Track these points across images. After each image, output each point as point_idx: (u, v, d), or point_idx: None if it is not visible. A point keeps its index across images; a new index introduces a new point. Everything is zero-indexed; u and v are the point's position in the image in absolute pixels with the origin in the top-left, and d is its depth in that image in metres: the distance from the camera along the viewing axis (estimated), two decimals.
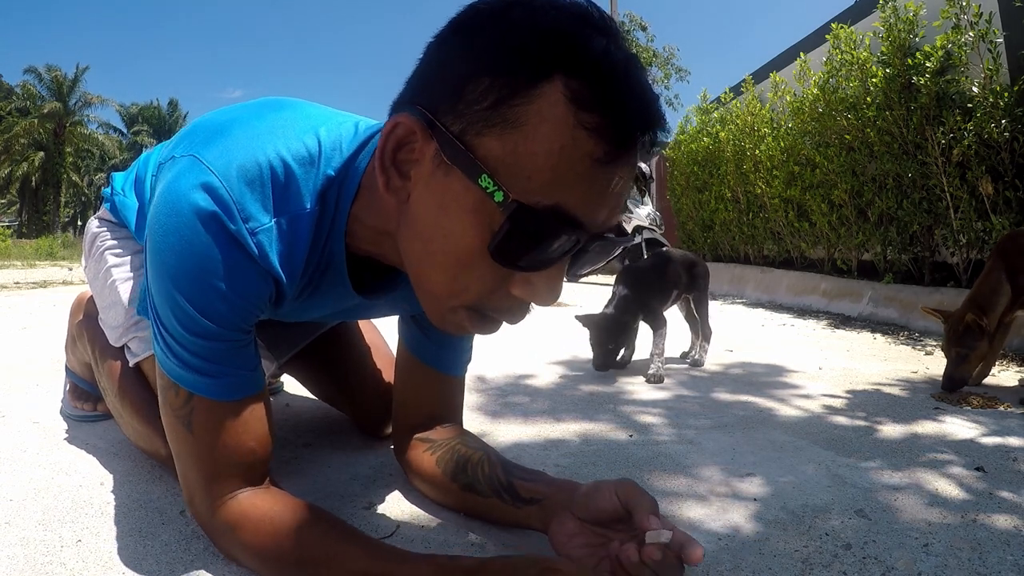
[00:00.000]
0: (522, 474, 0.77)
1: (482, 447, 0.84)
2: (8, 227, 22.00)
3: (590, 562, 0.64)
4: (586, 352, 2.17)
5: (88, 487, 0.93)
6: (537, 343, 2.31)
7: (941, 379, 1.61)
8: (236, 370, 0.68)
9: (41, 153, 30.61)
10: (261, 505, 0.67)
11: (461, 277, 0.56)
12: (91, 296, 1.26)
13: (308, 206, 0.65)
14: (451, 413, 0.92)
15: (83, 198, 35.60)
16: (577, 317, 1.81)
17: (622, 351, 1.85)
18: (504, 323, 0.61)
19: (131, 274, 1.05)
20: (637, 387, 1.67)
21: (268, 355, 1.20)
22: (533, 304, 0.58)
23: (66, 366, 1.34)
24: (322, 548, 0.62)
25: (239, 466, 0.68)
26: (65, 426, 1.25)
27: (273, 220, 0.64)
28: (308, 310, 0.81)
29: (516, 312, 0.59)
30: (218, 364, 0.66)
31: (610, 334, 1.74)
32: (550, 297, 0.57)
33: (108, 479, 0.96)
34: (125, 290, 1.03)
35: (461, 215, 0.53)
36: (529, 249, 0.53)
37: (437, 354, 0.89)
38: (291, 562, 0.63)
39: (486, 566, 0.58)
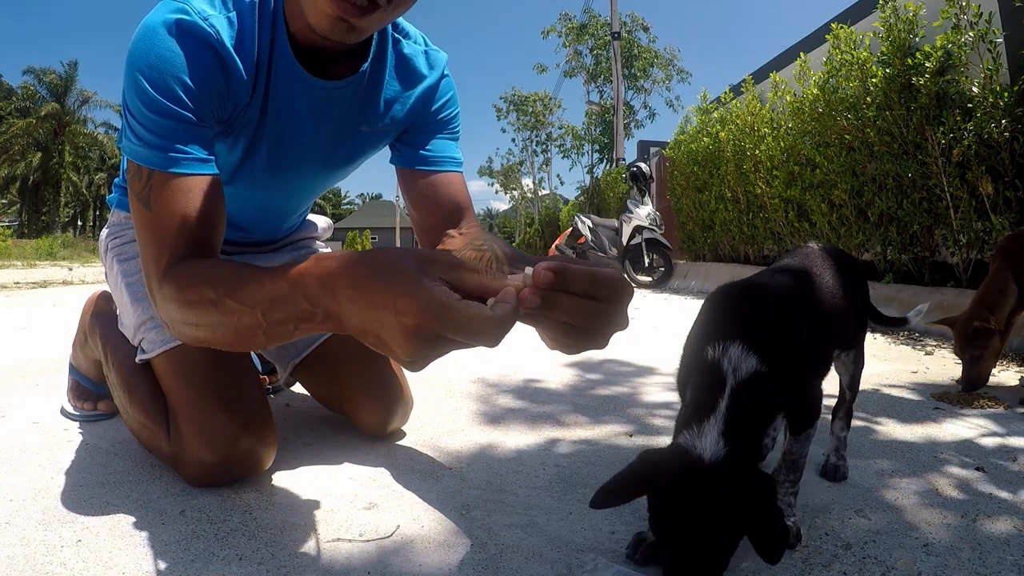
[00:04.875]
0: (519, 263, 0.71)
1: (489, 246, 0.83)
2: (8, 227, 21.98)
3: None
4: (591, 353, 2.17)
5: (88, 487, 0.93)
6: (530, 342, 2.30)
7: (960, 382, 1.61)
8: (191, 150, 0.77)
9: (40, 153, 30.61)
10: (198, 263, 0.74)
11: None
12: (103, 294, 1.28)
13: (247, 0, 0.83)
14: (461, 206, 1.02)
15: (83, 198, 35.58)
16: (646, 454, 0.69)
17: None
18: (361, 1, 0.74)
19: (137, 275, 1.06)
20: (634, 387, 1.67)
21: (280, 363, 1.21)
22: None
23: (70, 364, 1.34)
24: (231, 282, 0.68)
25: (187, 236, 0.76)
26: (65, 426, 1.25)
27: (223, 14, 0.80)
28: (297, 128, 0.93)
29: None
30: (173, 142, 0.76)
31: (718, 520, 0.63)
32: None
33: (108, 479, 0.96)
34: (133, 291, 1.05)
35: None
36: None
37: (427, 157, 1.02)
38: (209, 301, 0.68)
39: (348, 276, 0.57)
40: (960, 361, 1.61)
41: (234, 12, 0.81)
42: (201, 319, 0.70)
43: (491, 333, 0.51)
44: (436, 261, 0.54)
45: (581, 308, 0.53)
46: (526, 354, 2.09)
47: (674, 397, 1.58)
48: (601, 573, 0.66)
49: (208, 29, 0.78)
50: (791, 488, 0.80)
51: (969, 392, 1.57)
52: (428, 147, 1.03)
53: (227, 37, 0.80)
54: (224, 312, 0.67)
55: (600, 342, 0.56)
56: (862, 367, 1.02)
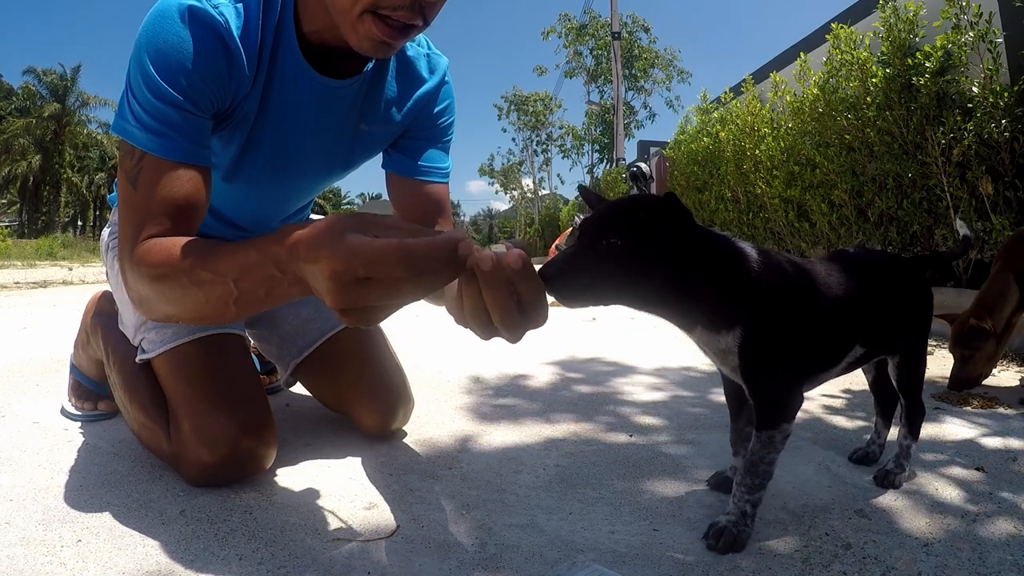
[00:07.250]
0: None
1: None
2: (8, 227, 21.98)
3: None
4: (580, 351, 2.17)
5: (88, 487, 0.93)
6: (530, 343, 2.31)
7: (948, 379, 1.61)
8: (185, 138, 0.78)
9: (40, 153, 30.61)
10: (168, 239, 0.74)
11: None
12: (105, 294, 1.28)
13: None
14: (441, 211, 1.06)
15: (83, 198, 35.57)
16: None
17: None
18: (403, 22, 0.76)
19: None
20: (634, 387, 1.67)
21: (281, 362, 1.21)
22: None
23: (71, 363, 1.34)
24: (201, 253, 0.69)
25: (167, 215, 0.76)
26: (65, 426, 1.25)
27: (231, 3, 0.81)
28: (300, 125, 0.93)
29: (407, 6, 0.74)
30: (171, 128, 0.77)
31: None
32: None
33: (108, 479, 0.96)
34: None
35: None
36: None
37: (420, 168, 1.04)
38: (182, 271, 0.69)
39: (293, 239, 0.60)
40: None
41: (241, 3, 0.82)
42: (173, 292, 0.71)
43: (400, 261, 0.53)
44: (377, 223, 0.58)
45: (507, 305, 0.57)
46: (526, 356, 2.09)
47: (678, 396, 1.58)
48: (577, 572, 0.66)
49: (218, 18, 0.79)
50: (747, 495, 0.75)
51: (957, 391, 1.57)
52: (421, 158, 1.05)
53: (235, 27, 0.81)
54: (196, 282, 0.68)
55: (509, 337, 0.60)
56: (915, 370, 0.96)
